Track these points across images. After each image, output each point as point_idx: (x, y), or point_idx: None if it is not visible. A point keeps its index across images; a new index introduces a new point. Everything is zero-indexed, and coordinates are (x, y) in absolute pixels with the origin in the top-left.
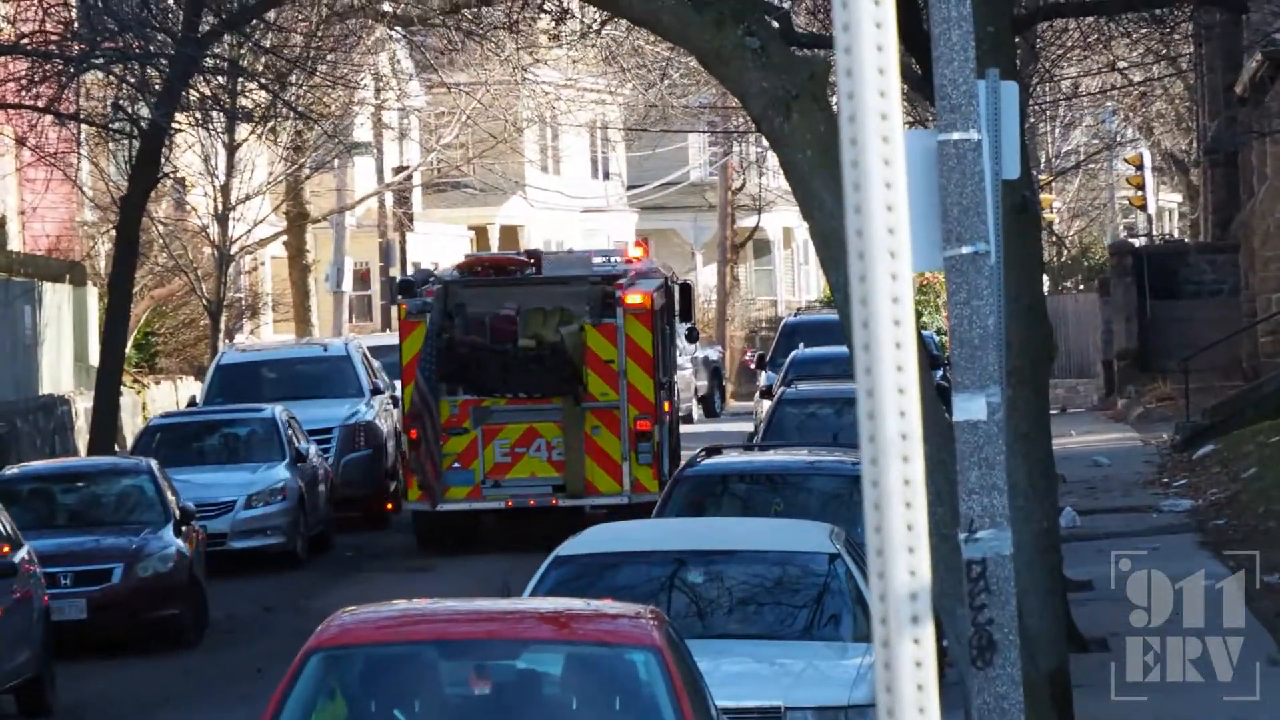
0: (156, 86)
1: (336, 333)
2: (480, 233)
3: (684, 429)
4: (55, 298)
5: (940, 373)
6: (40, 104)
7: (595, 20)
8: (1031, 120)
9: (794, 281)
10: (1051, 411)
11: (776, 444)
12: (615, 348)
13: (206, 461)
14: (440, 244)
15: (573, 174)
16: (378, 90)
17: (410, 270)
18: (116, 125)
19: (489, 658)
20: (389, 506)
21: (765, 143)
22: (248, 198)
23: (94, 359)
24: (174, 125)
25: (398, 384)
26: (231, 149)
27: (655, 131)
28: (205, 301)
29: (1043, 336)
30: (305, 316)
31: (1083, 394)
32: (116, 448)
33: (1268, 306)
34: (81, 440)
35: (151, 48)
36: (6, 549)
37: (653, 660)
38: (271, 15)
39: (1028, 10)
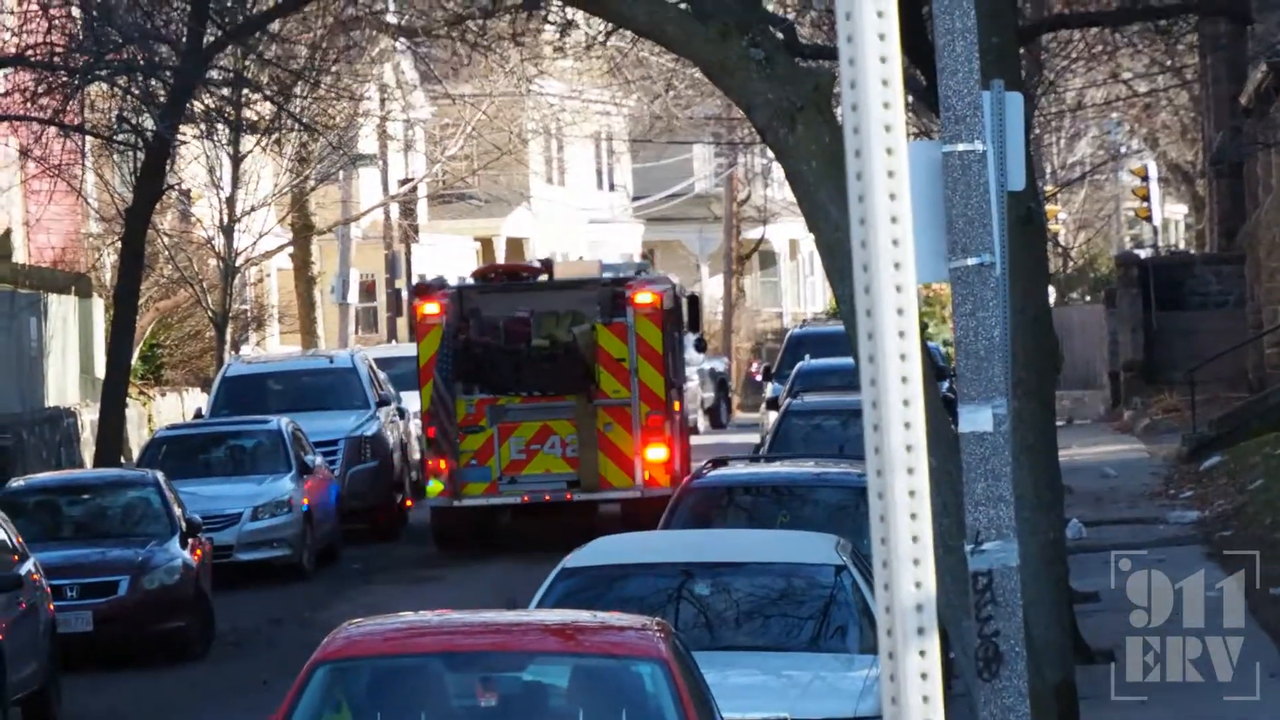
0: (161, 98)
1: (342, 344)
2: (485, 244)
3: (690, 440)
4: (61, 310)
5: (946, 384)
6: (45, 116)
7: (600, 32)
8: (1037, 131)
9: (800, 293)
10: (1058, 423)
11: (783, 455)
12: (626, 346)
13: (212, 473)
14: (446, 256)
15: (578, 185)
16: (383, 102)
17: (415, 282)
18: (121, 137)
19: (495, 670)
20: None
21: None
22: (253, 209)
23: (100, 371)
24: (179, 137)
25: (404, 395)
26: (236, 161)
27: (660, 143)
28: (211, 313)
29: (1049, 348)
30: (311, 328)
31: (1089, 405)
32: (122, 460)
33: (1274, 318)
34: (87, 452)
35: (156, 59)
36: (15, 558)
37: (659, 672)
38: (276, 27)
39: (1032, 22)
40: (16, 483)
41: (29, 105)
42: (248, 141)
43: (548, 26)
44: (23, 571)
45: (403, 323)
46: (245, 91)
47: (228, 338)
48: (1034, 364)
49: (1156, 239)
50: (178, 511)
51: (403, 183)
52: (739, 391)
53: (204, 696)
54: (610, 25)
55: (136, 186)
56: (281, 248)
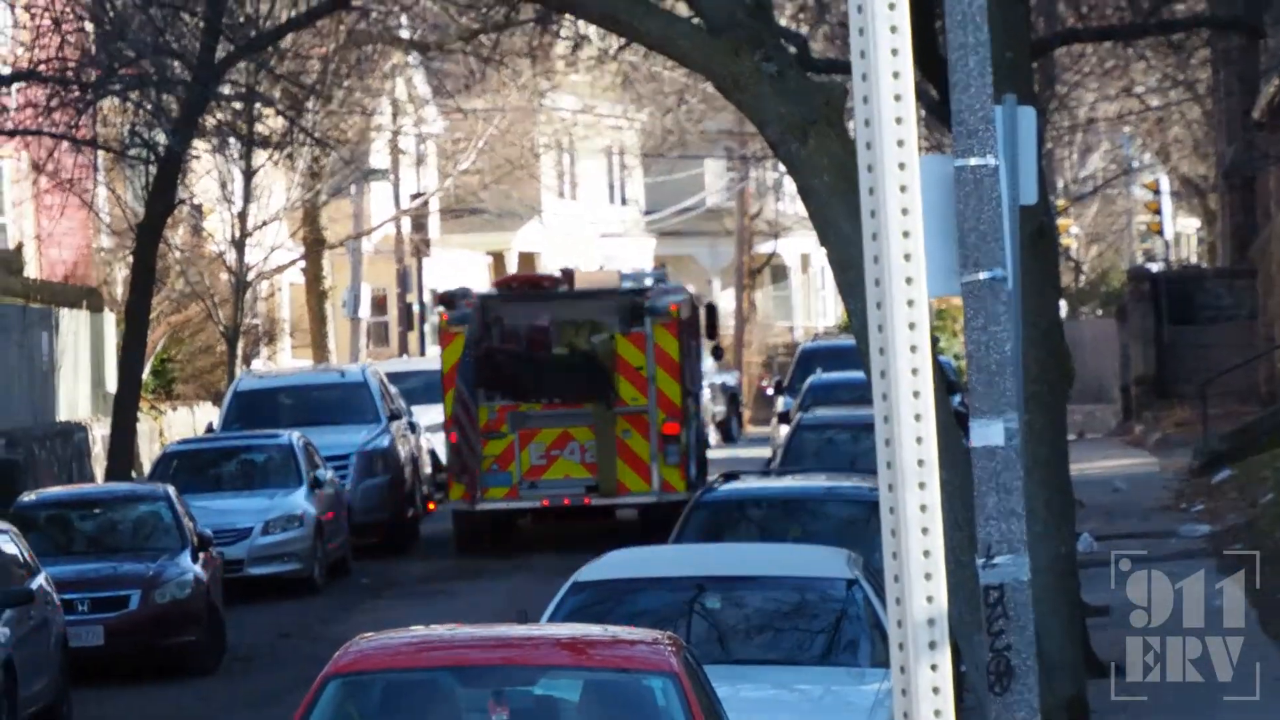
0: (173, 113)
1: (354, 359)
2: (497, 258)
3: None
4: (72, 324)
5: (958, 398)
6: (57, 130)
7: (612, 46)
8: (1049, 146)
9: (811, 307)
10: (1069, 437)
11: (794, 469)
12: (644, 355)
13: (224, 488)
14: (457, 270)
15: (590, 199)
16: (395, 116)
17: (427, 297)
18: (133, 151)
19: (506, 684)
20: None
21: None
22: (265, 224)
23: (111, 385)
24: (191, 151)
25: (415, 409)
26: (248, 175)
27: (672, 157)
28: (222, 327)
29: (1060, 362)
30: (322, 342)
31: (1100, 419)
32: (134, 474)
33: None
34: (99, 467)
35: (168, 74)
36: (26, 573)
37: (670, 686)
38: (288, 41)
39: (1045, 36)
40: (28, 497)
41: (41, 120)
42: (260, 156)
43: (560, 41)
44: (34, 586)
45: (414, 337)
46: (257, 106)
47: (239, 352)
48: (1046, 378)
49: (1168, 253)
50: (189, 526)
51: (414, 197)
52: (750, 405)
53: (215, 711)
54: (623, 40)
55: (148, 201)
56: (293, 262)
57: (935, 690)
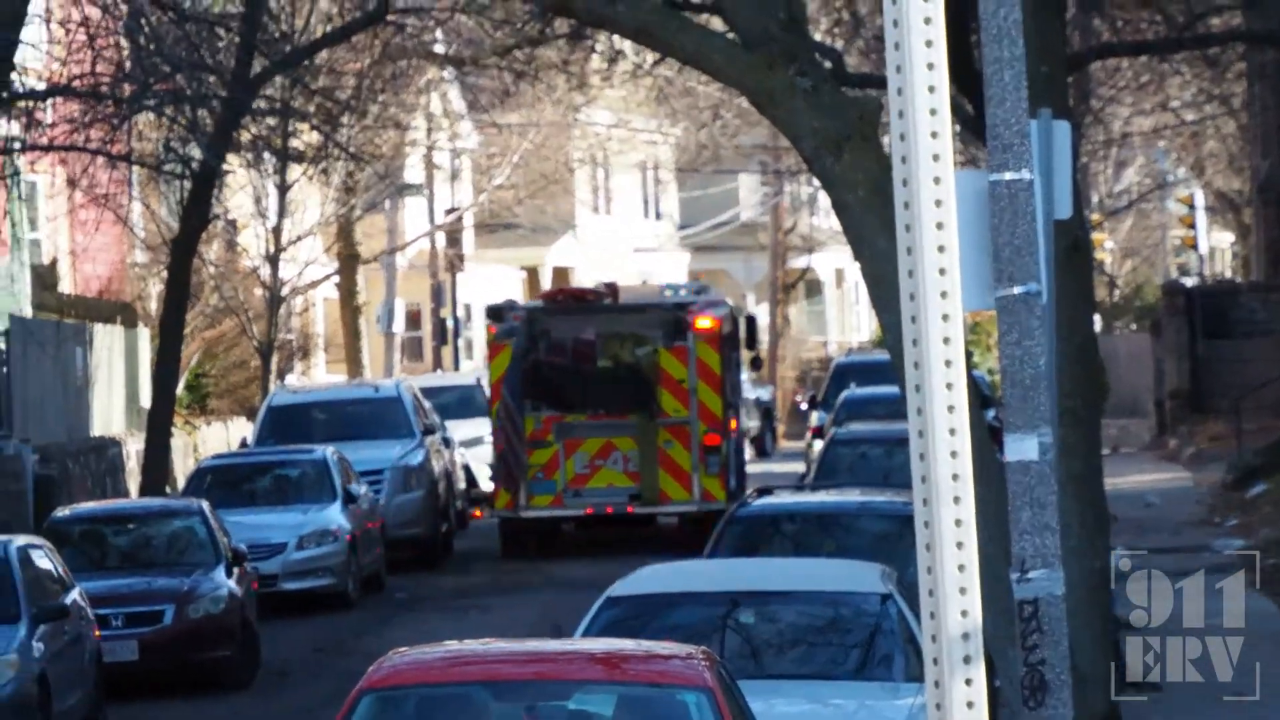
0: (208, 128)
1: (388, 374)
2: (531, 273)
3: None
4: (106, 339)
5: (992, 413)
6: (92, 146)
7: (647, 61)
8: (1084, 160)
9: (845, 321)
10: (1103, 451)
11: (828, 484)
12: (686, 368)
13: (258, 503)
14: (492, 285)
15: (624, 214)
16: (429, 131)
17: (461, 312)
18: (168, 167)
19: (540, 699)
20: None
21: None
22: (299, 239)
23: (145, 400)
24: (225, 166)
25: (449, 424)
26: (283, 190)
27: (707, 172)
28: (256, 343)
29: (1095, 376)
30: (356, 357)
31: (1134, 434)
32: (168, 489)
33: None
34: (133, 482)
35: (203, 89)
36: (60, 588)
37: (704, 701)
38: (323, 56)
39: (1080, 51)
40: (62, 512)
41: (76, 135)
42: (294, 171)
43: (595, 56)
44: (68, 601)
45: (448, 352)
46: (292, 121)
47: (273, 367)
48: (1080, 393)
49: (1203, 267)
50: (223, 541)
51: (449, 212)
52: (784, 420)
53: None
54: (657, 54)
55: (183, 216)
56: (327, 277)
57: (970, 705)
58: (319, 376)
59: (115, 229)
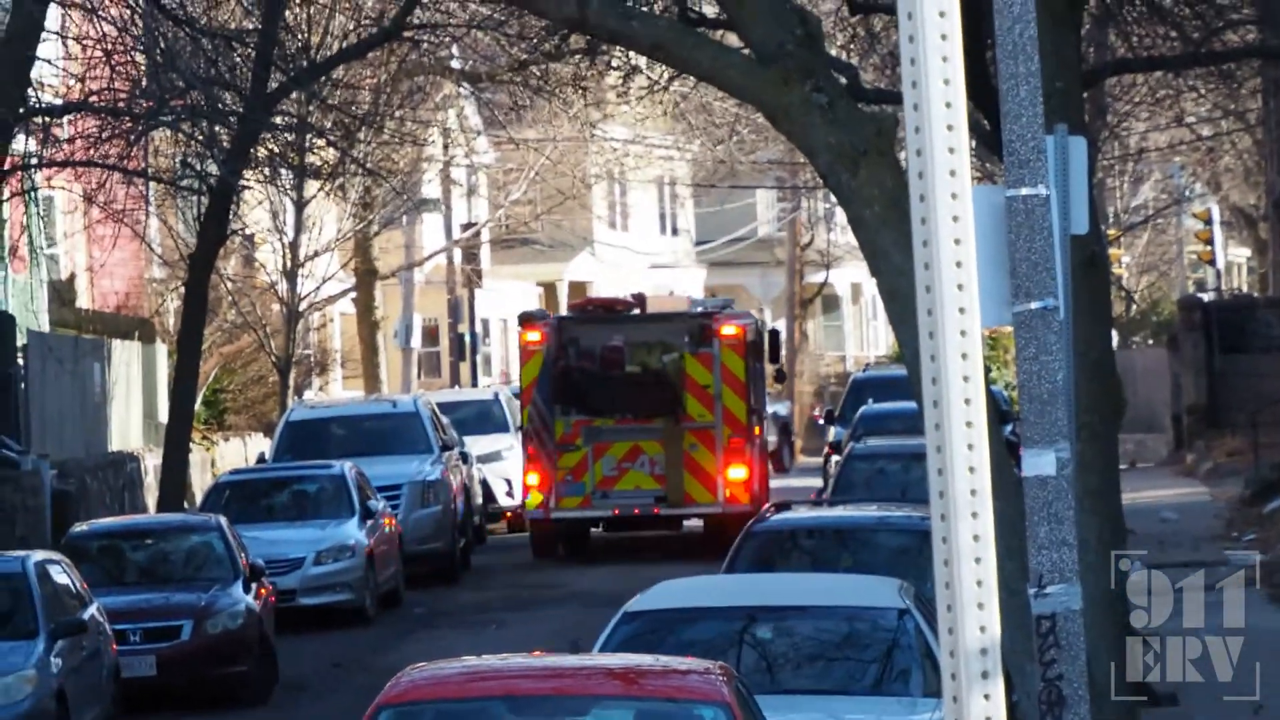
0: (225, 143)
1: (405, 389)
2: (549, 289)
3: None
4: (124, 355)
5: (1009, 428)
6: (109, 161)
7: (663, 76)
8: (1100, 175)
9: (862, 337)
10: (1120, 466)
11: (845, 499)
12: (711, 374)
13: (276, 518)
14: (509, 300)
15: (641, 230)
16: (446, 146)
17: (478, 327)
18: (185, 182)
19: (558, 714)
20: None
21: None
22: (316, 254)
23: (163, 416)
24: (242, 182)
25: (467, 439)
26: (300, 205)
27: (723, 187)
28: (274, 358)
29: (1112, 391)
30: (374, 373)
31: (1151, 449)
32: (186, 504)
33: None
34: (151, 497)
35: (220, 105)
36: (79, 603)
37: (722, 715)
38: (340, 72)
39: (1096, 66)
40: (80, 527)
41: (93, 151)
42: (311, 186)
43: (611, 71)
44: (86, 616)
45: (465, 367)
46: (309, 137)
47: (291, 382)
48: (1097, 408)
49: (1219, 282)
50: (241, 556)
51: (466, 227)
52: (802, 435)
53: None
54: (673, 70)
55: (200, 232)
56: (345, 292)
57: None
58: (337, 392)
59: (132, 245)
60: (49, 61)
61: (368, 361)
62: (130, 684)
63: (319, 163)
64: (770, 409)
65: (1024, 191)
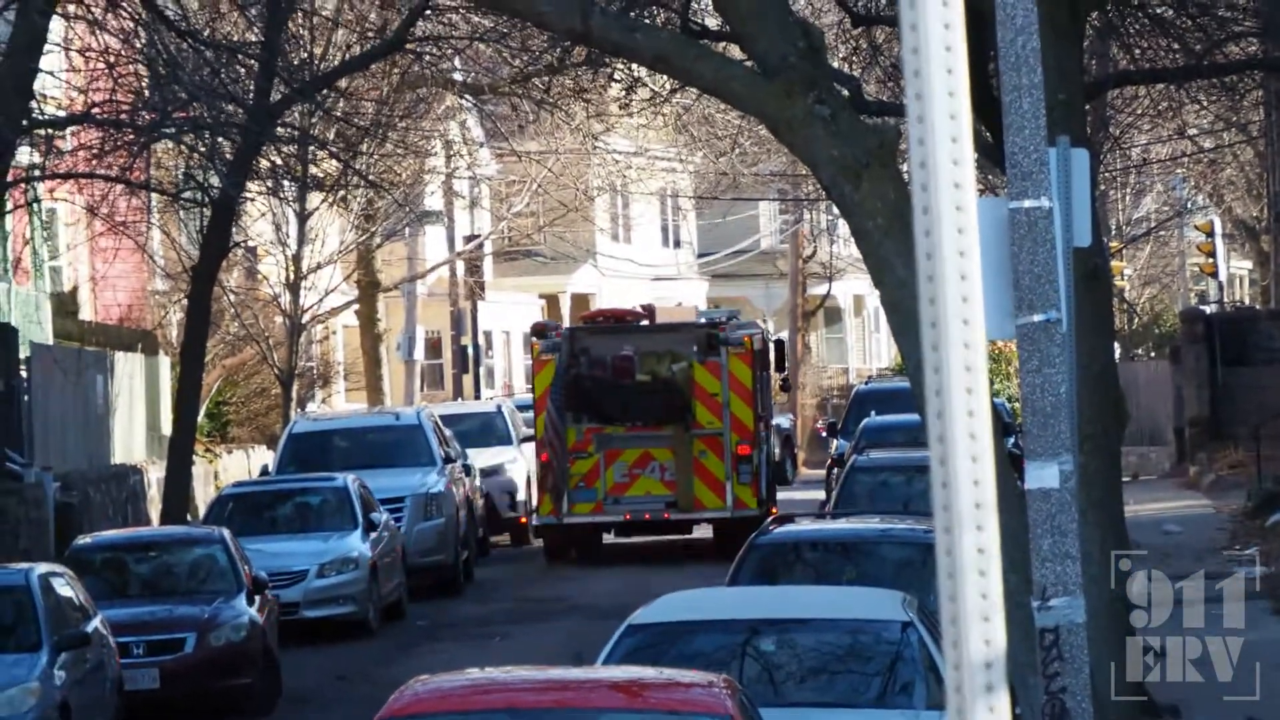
0: (227, 155)
1: (408, 401)
2: (551, 301)
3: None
4: (127, 367)
5: (1012, 440)
6: (111, 173)
7: (666, 88)
8: (1102, 187)
9: (865, 349)
10: (1123, 479)
11: (848, 512)
12: (720, 382)
13: (279, 530)
14: (511, 312)
15: (643, 242)
16: (448, 159)
17: (481, 339)
18: (187, 194)
19: None
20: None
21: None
22: (319, 266)
23: (166, 428)
24: (245, 194)
25: (470, 452)
26: (303, 218)
27: (726, 200)
28: (277, 370)
29: (1114, 404)
30: (377, 385)
31: (1154, 461)
32: (189, 517)
33: None
34: (154, 509)
35: (223, 117)
36: (82, 615)
37: None
38: (343, 84)
39: (1098, 78)
40: (84, 540)
41: (95, 163)
42: (314, 198)
43: (614, 84)
44: (90, 628)
45: (468, 380)
46: (311, 149)
47: (294, 395)
48: (1100, 420)
49: (1221, 294)
50: (244, 569)
51: (468, 240)
52: (804, 448)
53: None
54: (676, 83)
55: (203, 244)
56: (347, 305)
57: None
58: (339, 404)
59: (135, 256)
60: (52, 74)
61: (370, 374)
62: (134, 696)
63: (321, 175)
64: (773, 421)
65: (1027, 204)
